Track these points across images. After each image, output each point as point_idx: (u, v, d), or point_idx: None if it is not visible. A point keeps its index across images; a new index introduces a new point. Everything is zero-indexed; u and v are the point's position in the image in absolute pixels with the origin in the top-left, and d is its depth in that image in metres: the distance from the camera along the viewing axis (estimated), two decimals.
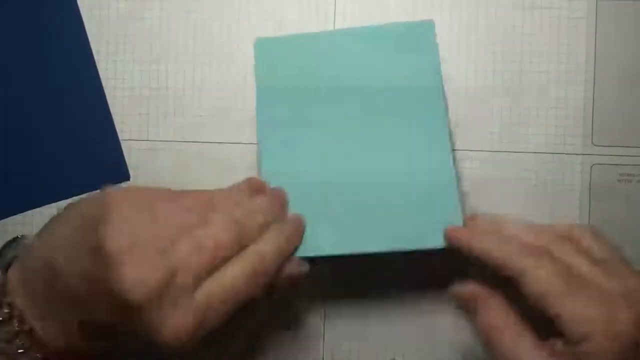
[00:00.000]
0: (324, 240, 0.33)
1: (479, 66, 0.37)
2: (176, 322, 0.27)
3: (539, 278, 0.28)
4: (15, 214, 0.38)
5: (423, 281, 0.37)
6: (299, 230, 0.33)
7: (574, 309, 0.27)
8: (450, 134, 0.34)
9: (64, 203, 0.34)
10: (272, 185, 0.34)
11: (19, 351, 0.29)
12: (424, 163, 0.34)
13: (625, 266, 0.29)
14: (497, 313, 0.30)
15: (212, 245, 0.28)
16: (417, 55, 0.35)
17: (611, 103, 0.37)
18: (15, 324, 0.29)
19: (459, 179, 0.36)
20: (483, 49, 0.37)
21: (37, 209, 0.38)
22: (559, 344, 0.28)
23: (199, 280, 0.27)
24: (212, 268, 0.28)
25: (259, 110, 0.35)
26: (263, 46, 0.35)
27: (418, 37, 0.35)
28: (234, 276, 0.28)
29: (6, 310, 0.29)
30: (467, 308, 0.31)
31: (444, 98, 0.34)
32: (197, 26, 0.38)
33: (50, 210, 0.38)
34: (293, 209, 0.33)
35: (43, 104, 0.39)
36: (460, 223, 0.33)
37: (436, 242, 0.33)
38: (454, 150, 0.36)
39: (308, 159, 0.34)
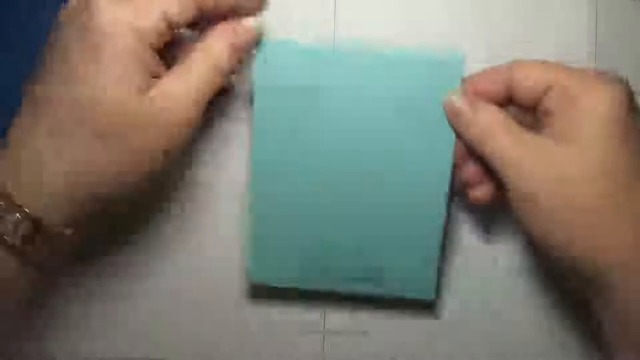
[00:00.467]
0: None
1: (479, 66, 0.37)
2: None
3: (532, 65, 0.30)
4: None
5: None
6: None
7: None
8: (450, 192, 0.34)
9: None
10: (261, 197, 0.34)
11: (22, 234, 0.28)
12: (415, 213, 0.34)
13: None
14: (496, 111, 0.31)
15: None
16: (437, 94, 0.33)
17: None
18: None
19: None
20: (483, 49, 0.37)
21: None
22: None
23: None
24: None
25: (257, 119, 0.34)
26: (267, 50, 0.33)
27: (442, 72, 0.32)
28: None
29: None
30: (461, 119, 0.31)
31: (454, 150, 0.33)
32: None
33: None
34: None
35: None
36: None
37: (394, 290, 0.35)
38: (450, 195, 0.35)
39: (299, 180, 0.34)
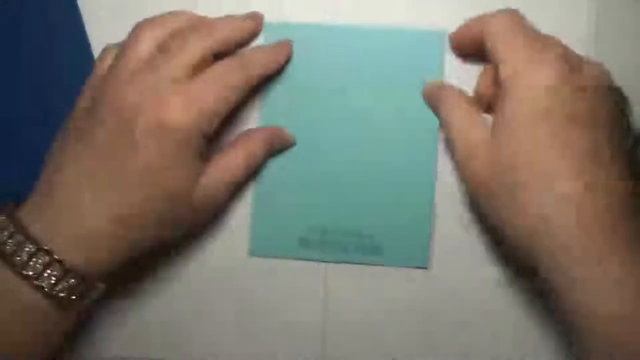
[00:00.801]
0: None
1: (479, 66, 0.37)
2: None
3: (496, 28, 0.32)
4: None
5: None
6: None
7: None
8: (436, 161, 0.36)
9: None
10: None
11: (52, 280, 0.30)
12: (406, 189, 0.36)
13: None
14: (453, 89, 0.35)
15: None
16: (421, 69, 0.36)
17: None
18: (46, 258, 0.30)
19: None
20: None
21: None
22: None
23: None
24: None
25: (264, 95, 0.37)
26: (272, 31, 0.37)
27: (426, 48, 0.36)
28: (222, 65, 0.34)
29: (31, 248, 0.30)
30: (437, 99, 0.35)
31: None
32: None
33: None
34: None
35: (43, 107, 0.39)
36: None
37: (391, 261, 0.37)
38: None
39: (299, 156, 0.37)
